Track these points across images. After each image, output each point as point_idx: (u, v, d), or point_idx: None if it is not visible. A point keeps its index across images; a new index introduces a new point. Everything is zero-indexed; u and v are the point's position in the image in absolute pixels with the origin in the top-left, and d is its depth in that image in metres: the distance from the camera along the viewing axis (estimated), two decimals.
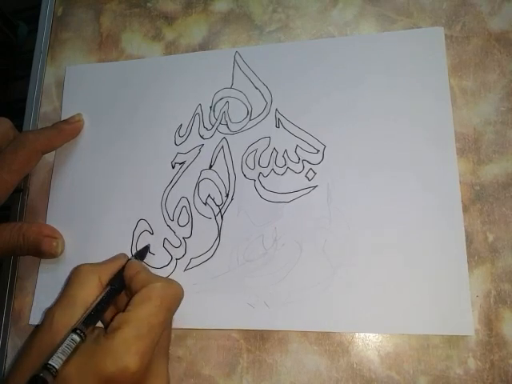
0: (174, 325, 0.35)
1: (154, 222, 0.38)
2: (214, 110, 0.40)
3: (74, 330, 0.28)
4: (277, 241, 0.35)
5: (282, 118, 0.38)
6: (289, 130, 0.38)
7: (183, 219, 0.37)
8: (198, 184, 0.38)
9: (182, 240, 0.37)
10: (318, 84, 0.38)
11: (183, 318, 0.35)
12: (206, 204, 0.37)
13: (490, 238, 0.33)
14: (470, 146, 0.35)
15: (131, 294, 0.31)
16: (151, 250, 0.37)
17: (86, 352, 0.27)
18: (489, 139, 0.35)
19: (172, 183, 0.38)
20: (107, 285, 0.32)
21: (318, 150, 0.37)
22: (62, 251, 0.38)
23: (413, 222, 0.34)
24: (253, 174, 0.37)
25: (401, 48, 0.38)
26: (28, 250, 0.36)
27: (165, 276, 0.36)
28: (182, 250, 0.37)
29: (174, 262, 0.37)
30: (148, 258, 0.37)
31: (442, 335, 0.32)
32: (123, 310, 0.30)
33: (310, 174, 0.36)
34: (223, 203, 0.37)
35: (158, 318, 0.29)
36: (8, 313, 0.39)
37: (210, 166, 0.38)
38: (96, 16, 0.46)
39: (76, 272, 0.32)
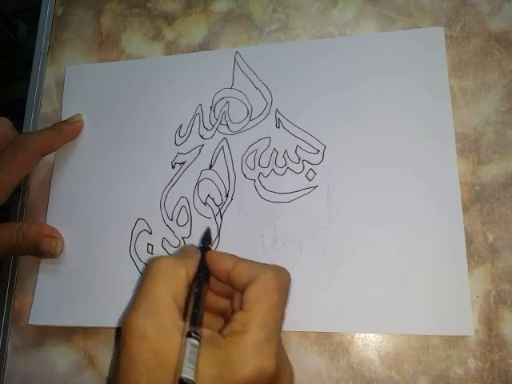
0: None
1: (152, 221, 0.38)
2: (214, 111, 0.40)
3: (188, 335, 0.25)
4: (277, 241, 0.35)
5: (282, 119, 0.38)
6: (289, 131, 0.38)
7: (182, 219, 0.37)
8: (197, 184, 0.38)
9: (181, 240, 0.37)
10: (319, 84, 0.38)
11: None
12: (205, 204, 0.37)
13: (490, 238, 0.33)
14: (470, 146, 0.35)
15: (235, 287, 0.29)
16: (149, 250, 0.37)
17: (212, 360, 0.24)
18: (489, 139, 0.35)
19: (172, 183, 0.38)
20: (193, 279, 0.29)
21: (318, 151, 0.37)
22: (61, 251, 0.38)
23: (413, 222, 0.34)
24: (253, 174, 0.37)
25: (401, 48, 0.38)
26: (28, 249, 0.36)
27: None
28: None
29: None
30: (146, 258, 0.37)
31: (442, 335, 0.32)
32: (228, 298, 0.29)
33: (310, 174, 0.36)
34: (223, 203, 0.37)
35: (279, 313, 0.27)
36: (8, 313, 0.39)
37: (210, 166, 0.38)
38: (96, 16, 0.46)
39: (158, 267, 0.28)
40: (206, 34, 0.43)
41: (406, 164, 0.35)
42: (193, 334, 0.25)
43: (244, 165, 0.38)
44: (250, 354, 0.25)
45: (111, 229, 0.38)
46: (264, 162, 0.37)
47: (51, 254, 0.37)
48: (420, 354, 0.32)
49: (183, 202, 0.38)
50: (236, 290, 0.29)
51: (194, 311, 0.26)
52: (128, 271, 0.37)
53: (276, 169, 0.37)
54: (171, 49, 0.43)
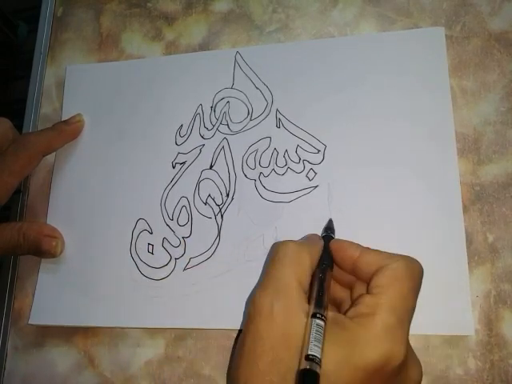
0: (174, 325, 0.35)
1: (153, 221, 0.38)
2: (214, 110, 0.40)
3: (313, 316, 0.24)
4: (277, 240, 0.35)
5: (282, 118, 0.38)
6: (289, 130, 0.38)
7: (183, 219, 0.37)
8: (198, 184, 0.38)
9: (182, 239, 0.37)
10: (319, 84, 0.38)
11: (183, 318, 0.35)
12: (206, 204, 0.37)
13: (490, 238, 0.33)
14: (470, 146, 0.35)
15: (360, 275, 0.28)
16: (150, 249, 0.37)
17: (338, 340, 0.24)
18: (489, 139, 0.35)
19: (172, 183, 0.38)
20: (317, 265, 0.29)
21: (319, 150, 0.37)
22: (61, 251, 0.38)
23: (413, 221, 0.34)
24: (253, 174, 0.37)
25: (401, 48, 0.38)
26: (28, 249, 0.36)
27: (164, 276, 0.36)
28: (181, 250, 0.37)
29: (173, 261, 0.37)
30: (147, 258, 0.37)
31: (442, 335, 0.32)
32: (348, 287, 0.28)
33: (311, 174, 0.36)
34: (223, 203, 0.37)
35: (412, 302, 0.26)
36: (8, 313, 0.39)
37: (211, 166, 0.38)
38: (96, 16, 0.46)
39: (284, 250, 0.28)
40: (205, 34, 0.43)
41: (407, 164, 0.35)
42: (318, 315, 0.25)
43: (244, 165, 0.38)
44: (379, 337, 0.24)
45: (111, 229, 0.38)
46: (264, 162, 0.37)
47: (51, 254, 0.37)
48: (420, 354, 0.32)
49: (184, 201, 0.38)
50: (360, 280, 0.28)
51: (318, 294, 0.26)
52: (128, 271, 0.37)
53: (276, 169, 0.37)
54: (171, 49, 0.43)
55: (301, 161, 0.37)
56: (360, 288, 0.28)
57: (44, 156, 0.39)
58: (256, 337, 0.25)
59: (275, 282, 0.26)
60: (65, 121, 0.41)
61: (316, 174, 0.36)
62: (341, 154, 0.36)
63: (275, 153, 0.37)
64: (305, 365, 0.23)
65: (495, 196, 0.34)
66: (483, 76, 0.37)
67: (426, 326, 0.32)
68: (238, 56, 0.40)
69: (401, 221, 0.34)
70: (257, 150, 0.38)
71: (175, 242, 0.37)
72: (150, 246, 0.37)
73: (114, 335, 0.37)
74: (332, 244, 0.30)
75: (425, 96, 0.36)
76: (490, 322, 0.32)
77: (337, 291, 0.30)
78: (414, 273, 0.26)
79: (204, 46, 0.42)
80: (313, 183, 0.36)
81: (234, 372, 0.26)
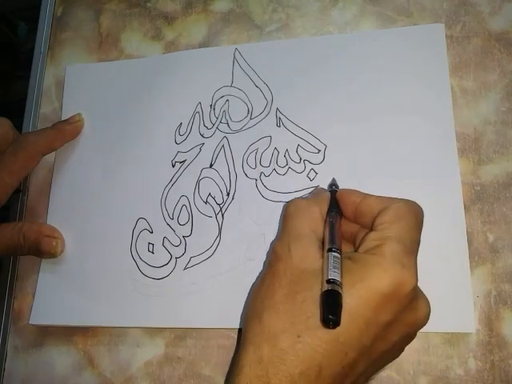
0: (174, 324, 0.35)
1: (153, 220, 0.38)
2: (214, 109, 0.40)
3: (329, 250, 0.26)
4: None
5: (282, 117, 0.38)
6: (290, 130, 0.38)
7: (183, 218, 0.37)
8: (198, 183, 0.38)
9: (182, 239, 0.37)
10: (319, 82, 0.38)
11: (183, 318, 0.35)
12: (206, 203, 0.37)
13: (491, 238, 0.33)
14: (471, 146, 0.35)
15: (363, 219, 0.29)
16: (150, 249, 0.37)
17: (352, 270, 0.25)
18: (489, 139, 0.35)
19: (172, 182, 0.38)
20: (327, 213, 0.30)
21: (319, 150, 0.37)
22: (61, 251, 0.38)
23: None
24: (254, 174, 0.37)
25: (402, 45, 0.38)
26: (28, 249, 0.36)
27: (164, 275, 0.36)
28: (181, 249, 0.37)
29: (173, 260, 0.37)
30: (147, 257, 0.37)
31: (443, 335, 0.32)
32: (351, 241, 0.30)
33: (312, 174, 0.36)
34: (224, 202, 0.37)
35: (416, 235, 0.27)
36: (8, 313, 0.39)
37: (211, 165, 0.38)
38: (96, 16, 0.46)
39: (294, 206, 0.30)
40: (205, 33, 0.43)
41: (407, 164, 0.35)
42: (333, 249, 0.26)
43: (245, 164, 0.38)
44: (390, 262, 0.24)
45: (112, 228, 0.38)
46: (265, 162, 0.37)
47: (52, 254, 0.37)
48: (420, 354, 0.32)
49: (184, 200, 0.38)
50: (362, 225, 0.29)
51: (331, 234, 0.28)
52: (129, 270, 0.37)
53: (278, 168, 0.37)
54: (171, 48, 0.43)
55: (301, 161, 0.37)
56: (363, 235, 0.28)
57: (44, 155, 0.39)
58: (275, 275, 0.27)
59: (291, 232, 0.28)
60: (65, 120, 0.41)
61: (317, 174, 0.36)
62: (341, 154, 0.36)
63: (276, 152, 0.37)
64: (327, 287, 0.24)
65: (496, 196, 0.34)
66: (483, 76, 0.36)
67: (428, 323, 0.32)
68: (237, 53, 0.40)
69: None
70: (257, 149, 0.38)
71: (176, 241, 0.37)
72: (151, 246, 0.37)
73: (113, 335, 0.37)
74: (337, 193, 0.31)
75: (426, 94, 0.36)
76: (490, 322, 0.32)
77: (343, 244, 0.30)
78: (416, 211, 0.27)
79: (204, 46, 0.42)
80: (313, 183, 0.36)
81: (249, 306, 0.28)
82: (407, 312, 0.25)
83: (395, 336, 0.26)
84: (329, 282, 0.24)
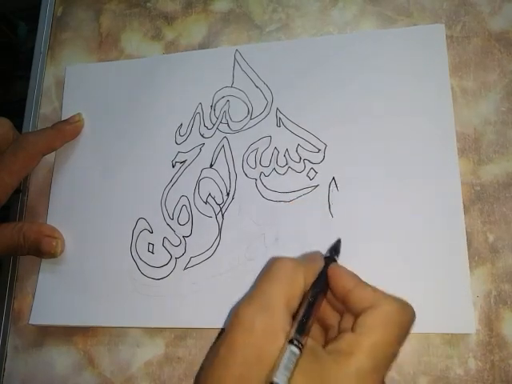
0: (174, 324, 0.35)
1: (153, 220, 0.38)
2: (214, 109, 0.40)
3: (290, 341, 0.24)
4: (278, 240, 0.35)
5: (282, 117, 0.38)
6: (290, 129, 0.38)
7: (183, 218, 0.37)
8: (198, 183, 0.38)
9: (182, 239, 0.37)
10: (319, 82, 0.38)
11: (183, 318, 0.35)
12: (206, 203, 0.37)
13: (491, 238, 0.33)
14: (471, 146, 0.35)
15: (349, 308, 0.27)
16: (150, 249, 0.37)
17: (309, 372, 0.23)
18: (489, 139, 0.35)
19: (172, 182, 0.38)
20: (310, 288, 0.27)
21: (319, 150, 0.37)
22: (61, 251, 0.38)
23: (414, 221, 0.34)
24: (254, 173, 0.37)
25: (402, 45, 0.38)
26: (28, 249, 0.36)
27: (164, 275, 0.36)
28: (181, 249, 0.37)
29: (173, 260, 0.37)
30: (147, 257, 0.37)
31: (443, 335, 0.32)
32: (341, 316, 0.27)
33: (312, 174, 0.36)
34: (224, 202, 0.37)
35: (393, 349, 0.25)
36: (8, 313, 0.39)
37: (211, 165, 0.38)
38: (96, 16, 0.46)
39: (279, 267, 0.27)
40: (205, 33, 0.43)
41: (407, 163, 0.35)
42: (295, 342, 0.24)
43: (245, 164, 0.38)
44: (349, 379, 0.23)
45: (112, 228, 0.38)
46: (265, 161, 0.37)
47: (52, 254, 0.37)
48: (420, 354, 0.32)
49: (184, 201, 0.38)
50: (349, 312, 0.27)
51: (302, 319, 0.25)
52: (129, 271, 0.37)
53: (277, 168, 0.37)
54: (171, 48, 0.43)
55: (301, 160, 0.37)
56: (349, 318, 0.27)
57: (43, 156, 0.39)
58: (231, 348, 0.25)
59: (263, 298, 0.26)
60: (65, 120, 0.41)
61: (317, 173, 0.36)
62: (341, 154, 0.36)
63: (276, 152, 0.37)
64: None
65: (495, 196, 0.34)
66: (483, 76, 0.36)
67: (428, 324, 0.32)
68: (238, 54, 0.40)
69: (401, 220, 0.34)
70: (257, 149, 0.38)
71: (175, 241, 0.37)
72: (151, 246, 0.37)
73: (113, 335, 0.37)
74: (329, 269, 0.29)
75: (425, 94, 0.36)
76: (490, 323, 0.32)
77: (327, 314, 0.29)
78: (405, 320, 0.25)
79: (204, 46, 0.42)
80: (313, 183, 0.36)
81: (201, 378, 0.26)
82: None
83: None
84: None
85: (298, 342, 0.24)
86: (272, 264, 0.27)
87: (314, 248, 0.34)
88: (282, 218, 0.36)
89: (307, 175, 0.36)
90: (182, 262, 0.36)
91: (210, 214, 0.37)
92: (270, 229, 0.35)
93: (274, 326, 0.25)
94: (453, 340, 0.32)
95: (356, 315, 0.26)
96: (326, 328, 0.29)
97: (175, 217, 0.38)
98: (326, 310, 0.28)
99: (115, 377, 0.36)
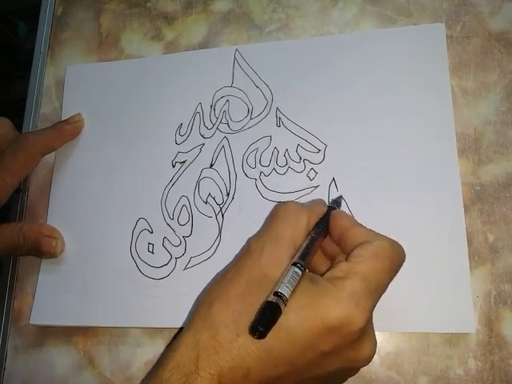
0: (174, 324, 0.35)
1: (153, 220, 0.38)
2: (214, 109, 0.40)
3: (294, 264, 0.26)
4: None
5: (282, 117, 0.38)
6: (290, 129, 0.38)
7: (183, 218, 0.37)
8: (198, 183, 0.38)
9: (182, 239, 0.37)
10: (319, 82, 0.38)
11: (183, 318, 0.35)
12: (206, 203, 0.37)
13: (491, 238, 0.33)
14: (471, 146, 0.35)
15: (345, 245, 0.29)
16: (150, 249, 0.37)
17: (307, 291, 0.26)
18: (489, 139, 0.35)
19: (172, 182, 0.38)
20: (313, 228, 0.30)
21: (319, 150, 0.37)
22: (61, 251, 0.38)
23: (414, 221, 0.34)
24: (254, 173, 0.37)
25: (402, 45, 0.38)
26: (28, 249, 0.36)
27: (164, 275, 0.36)
28: (181, 249, 0.37)
29: (173, 260, 0.37)
30: (147, 257, 0.37)
31: (443, 335, 0.32)
32: (330, 259, 0.30)
33: (312, 174, 0.36)
34: (224, 202, 0.37)
35: (385, 279, 0.27)
36: (8, 313, 0.39)
37: (211, 165, 0.38)
38: (96, 16, 0.46)
39: (285, 209, 0.30)
40: (205, 33, 0.43)
41: (407, 163, 0.35)
42: (298, 265, 0.26)
43: (245, 164, 0.38)
44: (343, 299, 0.25)
45: (112, 228, 0.38)
46: (265, 161, 0.37)
47: (52, 254, 0.37)
48: (420, 354, 0.32)
49: (184, 201, 0.38)
50: (343, 251, 0.29)
51: (305, 250, 0.28)
52: (129, 271, 0.37)
53: (277, 168, 0.37)
54: (171, 48, 0.43)
55: (301, 160, 0.37)
56: (340, 259, 0.29)
57: (43, 156, 0.39)
58: (238, 270, 0.27)
59: (271, 233, 0.29)
60: (65, 120, 0.41)
61: (317, 173, 0.36)
62: (341, 154, 0.36)
63: (276, 152, 0.37)
64: (271, 298, 0.24)
65: (495, 196, 0.34)
66: (483, 76, 0.36)
67: (428, 324, 0.32)
68: (238, 54, 0.40)
69: (401, 220, 0.34)
70: (257, 149, 0.38)
71: (176, 241, 0.37)
72: (151, 246, 0.37)
73: (113, 335, 0.37)
74: (332, 213, 0.31)
75: (425, 94, 0.36)
76: (490, 323, 0.32)
77: (319, 261, 0.31)
78: (395, 256, 0.27)
79: (204, 46, 0.42)
80: (313, 183, 0.36)
81: (206, 291, 0.28)
82: (348, 349, 0.26)
83: (331, 367, 0.26)
84: (276, 294, 0.25)
85: (301, 265, 0.26)
86: (278, 207, 0.30)
87: None
88: None
89: (307, 175, 0.36)
90: (181, 262, 0.36)
91: (210, 214, 0.37)
92: None
93: (280, 253, 0.27)
94: (453, 340, 0.32)
95: (350, 251, 0.28)
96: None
97: (175, 217, 0.38)
98: (319, 257, 0.30)
99: (115, 377, 0.36)
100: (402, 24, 0.39)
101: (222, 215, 0.37)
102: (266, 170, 0.37)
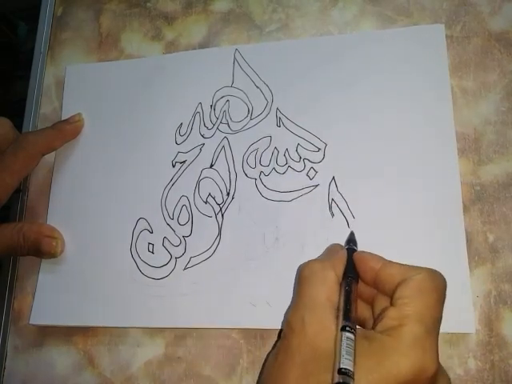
0: (174, 324, 0.35)
1: (153, 220, 0.38)
2: (214, 109, 0.40)
3: (342, 329, 0.25)
4: (278, 240, 0.35)
5: (282, 117, 0.38)
6: (290, 129, 0.38)
7: (183, 218, 0.37)
8: (198, 183, 0.38)
9: (182, 239, 0.37)
10: (319, 82, 0.38)
11: (183, 318, 0.35)
12: (206, 203, 0.37)
13: (491, 238, 0.33)
14: (470, 146, 0.35)
15: (383, 288, 0.28)
16: (150, 249, 0.37)
17: (368, 353, 0.24)
18: (489, 139, 0.35)
19: (172, 182, 0.38)
20: (343, 278, 0.29)
21: (319, 149, 0.37)
22: (61, 251, 0.38)
23: (414, 221, 0.34)
24: (254, 173, 0.37)
25: (402, 45, 0.38)
26: (28, 250, 0.36)
27: (164, 275, 0.36)
28: (181, 249, 0.37)
29: (173, 260, 0.37)
30: (147, 257, 0.37)
31: (443, 335, 0.32)
32: (369, 303, 0.29)
33: (312, 173, 0.36)
34: (224, 202, 0.37)
35: (438, 312, 0.25)
36: (8, 313, 0.39)
37: (211, 165, 0.38)
38: (96, 16, 0.46)
39: (309, 270, 0.28)
40: (205, 33, 0.43)
41: (407, 163, 0.35)
42: (347, 328, 0.25)
43: (245, 163, 0.38)
44: (410, 346, 0.23)
45: (112, 228, 0.38)
46: (265, 161, 0.37)
47: (52, 254, 0.37)
48: None
49: (184, 200, 0.38)
50: (382, 293, 0.28)
51: (346, 307, 0.26)
52: (129, 271, 0.37)
53: (277, 167, 0.37)
54: (171, 48, 0.43)
55: (301, 159, 0.37)
56: (381, 302, 0.28)
57: (43, 156, 0.39)
58: (288, 351, 0.25)
59: (305, 302, 0.27)
60: (65, 120, 0.41)
61: (317, 172, 0.36)
62: (341, 153, 0.36)
63: (276, 152, 0.37)
64: (338, 379, 0.23)
65: (495, 196, 0.34)
66: (483, 76, 0.36)
67: None
68: (238, 54, 0.40)
69: (401, 220, 0.34)
70: (257, 149, 0.38)
71: (176, 241, 0.37)
72: (151, 246, 0.37)
73: (113, 335, 0.37)
74: (355, 256, 0.30)
75: (425, 94, 0.36)
76: (490, 323, 0.32)
77: (359, 310, 0.29)
78: (439, 284, 0.26)
79: (204, 46, 0.42)
80: (313, 182, 0.36)
81: (262, 382, 0.27)
82: None
83: None
84: (340, 372, 0.23)
85: (350, 327, 0.25)
86: (302, 271, 0.29)
87: (314, 247, 0.34)
88: (282, 217, 0.36)
89: (307, 175, 0.36)
90: (181, 262, 0.36)
91: (210, 214, 0.37)
92: (270, 228, 0.35)
93: (322, 322, 0.26)
94: (453, 340, 0.32)
95: (389, 293, 0.27)
96: (360, 323, 0.29)
97: (175, 217, 0.38)
98: (359, 308, 0.29)
99: (115, 377, 0.36)
100: (402, 24, 0.39)
101: (222, 215, 0.37)
102: (266, 170, 0.37)
